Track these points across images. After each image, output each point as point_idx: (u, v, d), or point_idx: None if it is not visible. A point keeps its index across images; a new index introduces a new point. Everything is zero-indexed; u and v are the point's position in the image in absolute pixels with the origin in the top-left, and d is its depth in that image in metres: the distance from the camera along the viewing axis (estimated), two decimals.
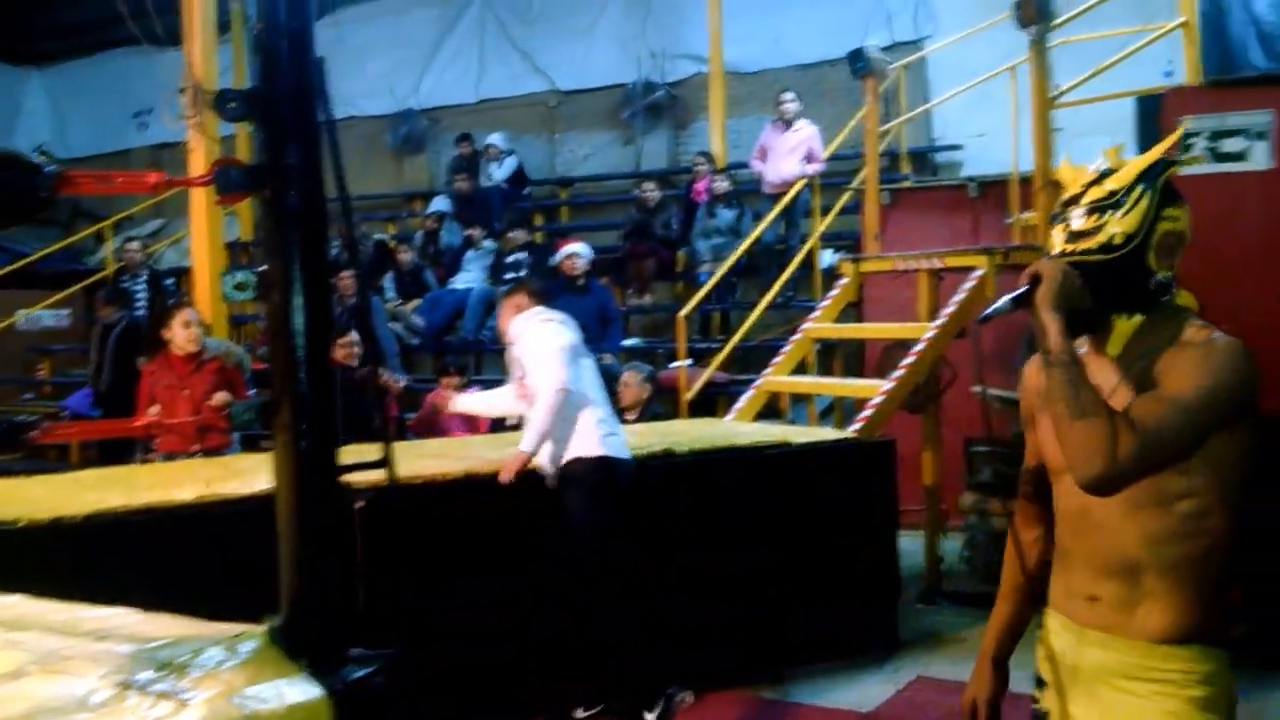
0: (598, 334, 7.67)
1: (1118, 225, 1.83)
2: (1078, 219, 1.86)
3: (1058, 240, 1.88)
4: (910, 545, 6.11)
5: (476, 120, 11.95)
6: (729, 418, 6.56)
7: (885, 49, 8.98)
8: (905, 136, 9.00)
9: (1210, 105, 5.43)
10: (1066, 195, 1.91)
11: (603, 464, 4.36)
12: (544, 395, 4.33)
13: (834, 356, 8.26)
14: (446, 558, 4.26)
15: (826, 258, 8.39)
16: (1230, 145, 5.33)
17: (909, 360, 5.75)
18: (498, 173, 10.88)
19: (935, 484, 6.19)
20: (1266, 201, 5.18)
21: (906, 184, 8.50)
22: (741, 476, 5.07)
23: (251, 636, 1.77)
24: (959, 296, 5.88)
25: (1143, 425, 1.75)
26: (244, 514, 3.65)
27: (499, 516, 4.36)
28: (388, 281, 10.00)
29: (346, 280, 8.59)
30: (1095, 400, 1.77)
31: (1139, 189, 1.84)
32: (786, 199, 8.44)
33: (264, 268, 1.93)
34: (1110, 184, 1.86)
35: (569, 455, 4.36)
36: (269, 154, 1.84)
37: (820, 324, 6.83)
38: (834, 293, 6.92)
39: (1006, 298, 1.89)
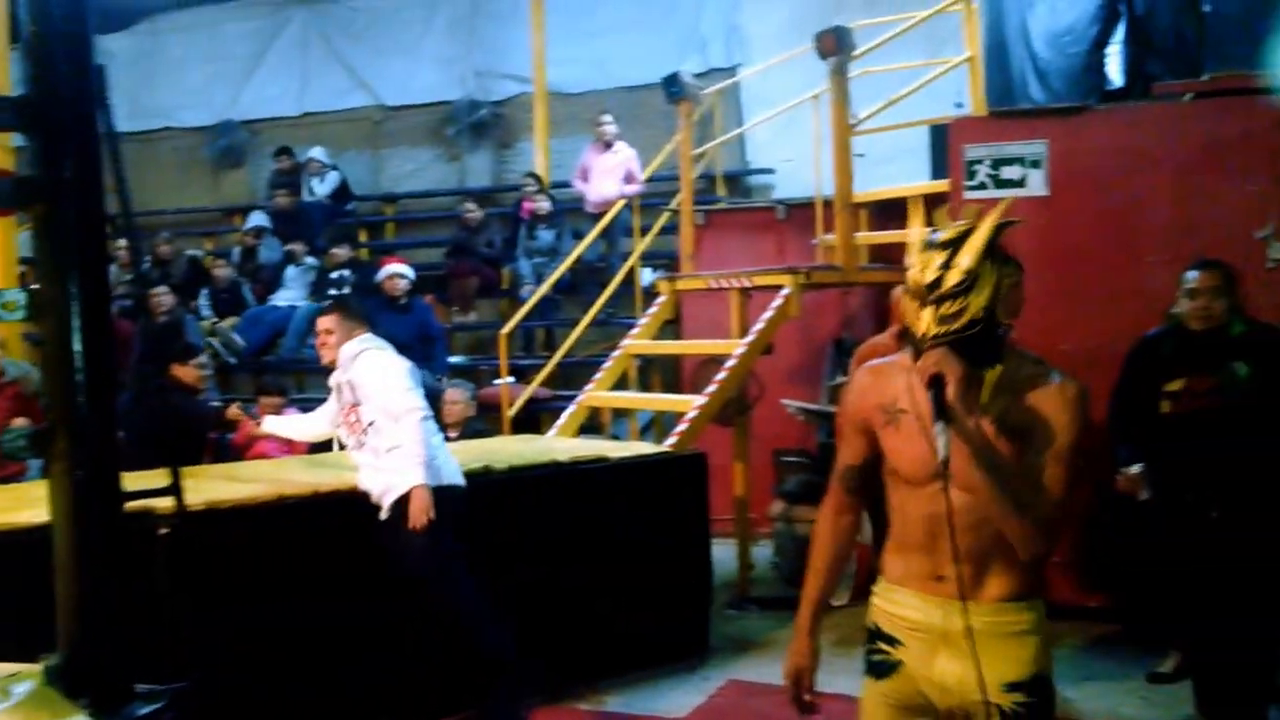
0: (420, 353, 7.63)
1: (977, 302, 2.10)
2: (945, 305, 2.10)
3: (929, 323, 2.12)
4: (722, 553, 6.32)
5: (299, 134, 11.71)
6: (550, 434, 6.67)
7: (700, 75, 9.31)
8: (720, 160, 9.30)
9: (992, 135, 5.81)
10: (927, 280, 2.12)
11: (448, 492, 4.26)
12: (409, 422, 4.19)
13: (653, 372, 8.47)
14: (257, 583, 4.20)
15: (646, 276, 8.60)
16: (1009, 172, 5.74)
17: (721, 376, 5.98)
18: (320, 188, 10.70)
19: (745, 494, 6.43)
20: (1042, 225, 5.59)
21: (720, 205, 8.80)
22: (560, 492, 5.16)
23: (27, 676, 1.70)
24: (767, 314, 6.15)
25: (1054, 494, 2.15)
26: (22, 545, 3.48)
27: (314, 539, 4.33)
28: (203, 299, 9.71)
29: (158, 297, 8.33)
30: (1026, 486, 2.13)
31: (985, 265, 2.10)
32: (607, 219, 8.62)
33: (36, 286, 1.86)
34: (964, 262, 2.08)
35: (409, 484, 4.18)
36: (43, 166, 1.76)
37: (639, 340, 7.02)
38: (652, 310, 7.13)
39: (938, 425, 2.08)
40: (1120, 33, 6.48)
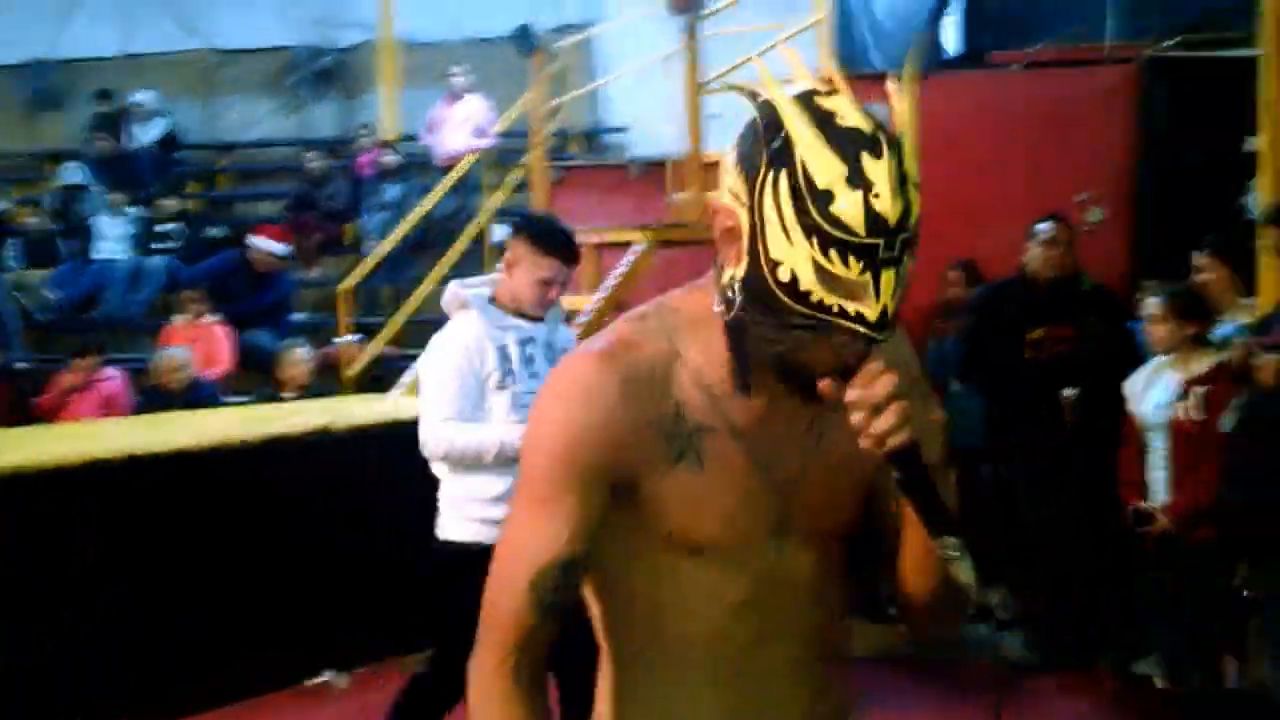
0: (272, 320, 7.42)
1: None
2: (908, 260, 1.13)
3: (887, 295, 1.11)
4: None
5: (123, 78, 11.00)
6: (394, 393, 6.47)
7: (554, 30, 9.15)
8: (575, 116, 9.19)
9: None
10: (893, 212, 1.09)
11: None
12: None
13: None
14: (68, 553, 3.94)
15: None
16: None
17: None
18: (145, 134, 10.09)
19: None
20: None
21: (574, 162, 8.70)
22: (404, 450, 5.00)
23: None
24: (620, 269, 6.10)
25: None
26: None
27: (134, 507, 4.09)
28: (9, 249, 9.04)
29: None
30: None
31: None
32: (456, 173, 8.41)
33: None
34: (915, 178, 1.13)
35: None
36: None
37: None
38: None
39: (948, 540, 1.15)
40: (957, 3, 6.64)
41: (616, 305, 6.15)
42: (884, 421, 1.10)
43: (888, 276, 1.10)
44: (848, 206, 1.08)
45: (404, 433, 4.94)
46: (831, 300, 1.10)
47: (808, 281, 1.10)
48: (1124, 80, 5.61)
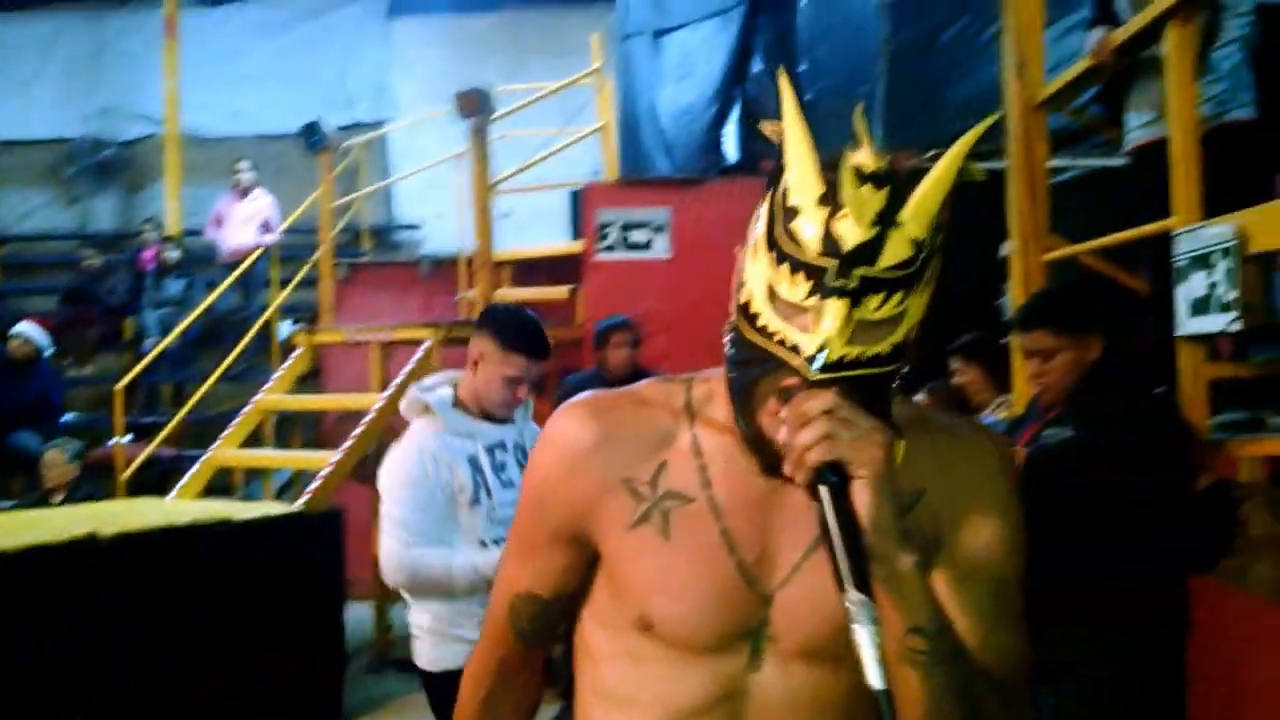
0: (39, 419, 7.03)
1: (917, 311, 1.05)
2: (874, 301, 1.01)
3: (833, 328, 1.00)
4: (362, 614, 6.17)
5: None
6: (171, 496, 6.26)
7: (347, 128, 9.20)
8: (367, 213, 9.21)
9: (622, 200, 6.18)
10: (854, 236, 1.00)
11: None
12: None
13: (294, 429, 8.16)
14: None
15: (285, 329, 8.31)
16: (638, 236, 6.10)
17: (357, 431, 5.87)
18: None
19: None
20: (666, 285, 5.98)
21: (364, 259, 8.70)
22: (180, 556, 4.83)
23: None
24: (407, 368, 6.11)
25: (1011, 679, 1.09)
26: None
27: None
28: None
29: None
30: (994, 702, 1.05)
31: (938, 238, 1.05)
32: (242, 268, 8.26)
33: None
34: (913, 228, 1.01)
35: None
36: None
37: (273, 395, 6.75)
38: (287, 364, 6.90)
39: (850, 589, 0.96)
40: (735, 114, 7.07)
41: None
42: (806, 434, 0.98)
43: (836, 308, 0.98)
44: (807, 222, 1.00)
45: (183, 538, 4.85)
46: (775, 326, 1.02)
47: (758, 303, 1.04)
48: None
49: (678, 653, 1.13)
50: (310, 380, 7.62)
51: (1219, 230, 2.99)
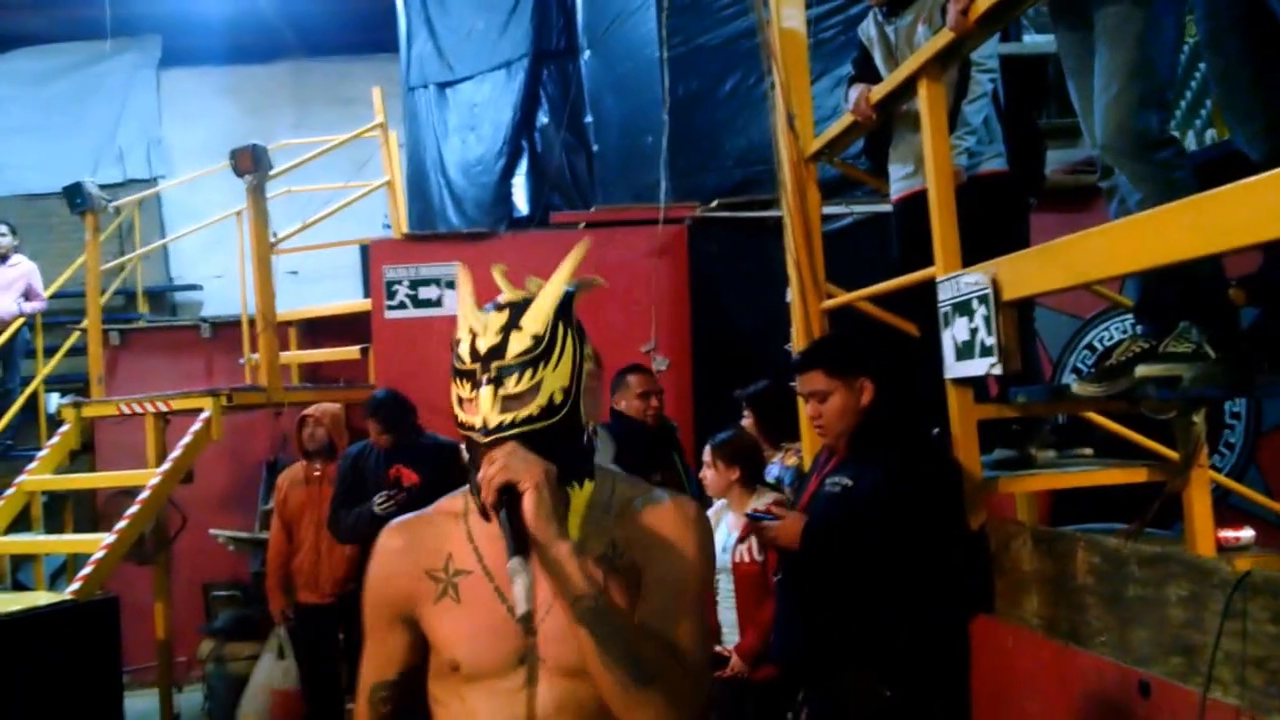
0: None
1: (555, 380, 1.53)
2: (511, 380, 1.51)
3: (488, 407, 1.50)
4: (147, 705, 5.77)
5: None
6: None
7: (118, 185, 8.74)
8: (142, 274, 8.72)
9: (410, 256, 6.03)
10: (484, 345, 1.53)
11: None
12: None
13: (66, 509, 7.59)
14: None
15: (53, 402, 7.74)
16: (427, 292, 5.97)
17: (131, 510, 5.49)
18: None
19: (169, 636, 5.92)
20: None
21: (139, 324, 8.22)
22: None
23: None
24: (186, 439, 5.77)
25: (691, 653, 1.55)
26: None
27: None
28: None
29: None
30: (653, 651, 1.48)
31: (561, 328, 1.55)
32: (3, 339, 7.64)
33: None
34: (530, 327, 1.53)
35: None
36: None
37: (39, 475, 6.26)
38: (54, 440, 6.41)
39: (514, 561, 1.40)
40: (524, 166, 7.05)
41: (185, 477, 5.82)
42: (489, 469, 1.45)
43: (486, 392, 1.51)
44: (461, 343, 1.55)
45: None
46: (463, 418, 1.54)
47: (455, 406, 1.56)
48: (676, 238, 6.10)
49: (478, 682, 1.57)
50: (82, 456, 7.11)
51: (975, 278, 3.13)
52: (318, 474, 5.41)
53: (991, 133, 3.93)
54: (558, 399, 1.53)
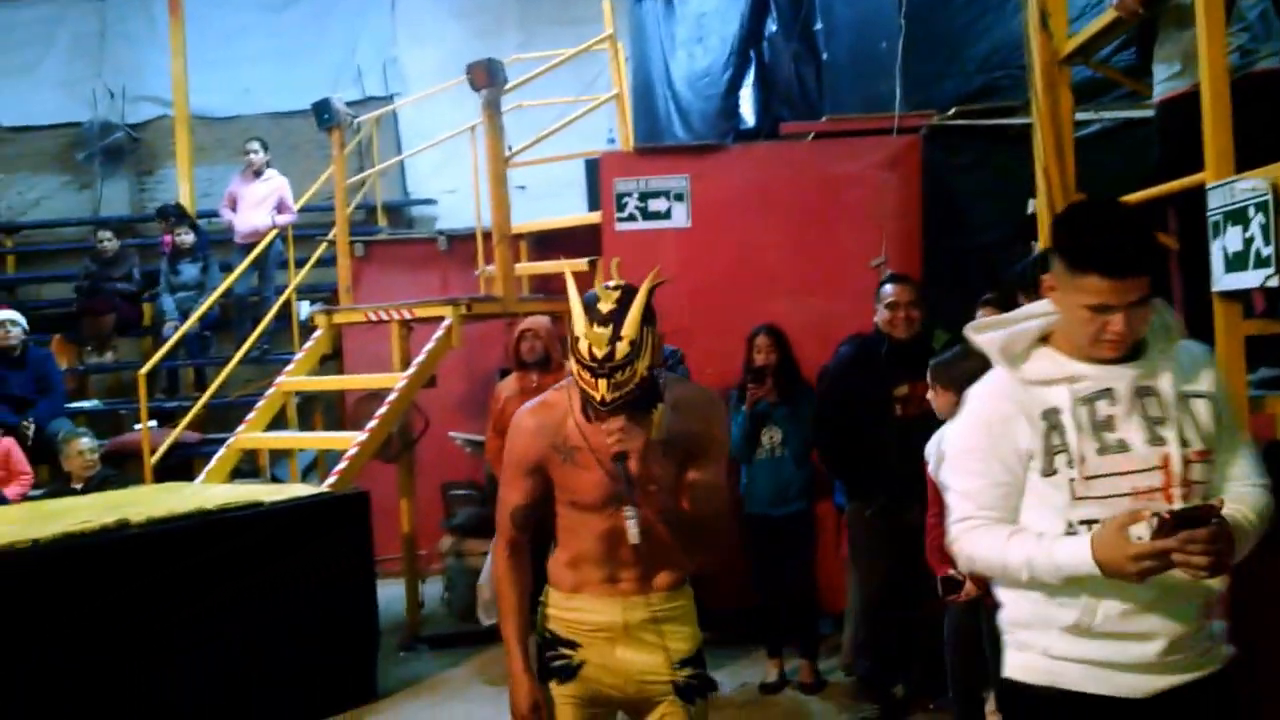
0: (41, 407, 6.97)
1: (642, 366, 2.33)
2: (619, 375, 2.30)
3: (604, 391, 2.31)
4: (392, 593, 6.19)
5: None
6: (198, 480, 6.27)
7: (357, 103, 9.14)
8: (380, 190, 9.15)
9: (639, 169, 6.09)
10: (600, 354, 2.30)
11: None
12: None
13: (315, 410, 8.17)
14: None
15: (304, 310, 8.28)
16: (656, 205, 6.03)
17: (381, 411, 5.85)
18: None
19: (412, 531, 6.32)
20: (685, 254, 5.92)
21: (380, 237, 8.65)
22: (211, 541, 4.85)
23: None
24: (429, 345, 6.09)
25: (722, 487, 2.58)
26: None
27: None
28: None
29: None
30: (697, 517, 2.51)
31: (645, 332, 2.33)
32: (258, 250, 8.22)
33: None
34: (627, 335, 2.29)
35: None
36: None
37: (294, 377, 6.75)
38: (308, 345, 6.88)
39: (629, 510, 2.40)
40: (751, 78, 6.96)
41: (428, 381, 6.16)
42: (611, 440, 2.36)
43: (602, 382, 2.32)
44: (580, 342, 2.33)
45: (211, 523, 4.85)
46: (585, 387, 2.36)
47: (579, 373, 2.36)
48: (910, 149, 5.91)
49: (589, 512, 2.51)
50: (331, 360, 7.62)
51: (1253, 184, 2.93)
52: (534, 384, 5.57)
53: (1269, 28, 3.64)
54: (643, 374, 2.33)
